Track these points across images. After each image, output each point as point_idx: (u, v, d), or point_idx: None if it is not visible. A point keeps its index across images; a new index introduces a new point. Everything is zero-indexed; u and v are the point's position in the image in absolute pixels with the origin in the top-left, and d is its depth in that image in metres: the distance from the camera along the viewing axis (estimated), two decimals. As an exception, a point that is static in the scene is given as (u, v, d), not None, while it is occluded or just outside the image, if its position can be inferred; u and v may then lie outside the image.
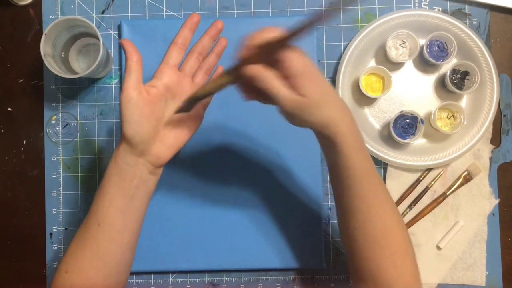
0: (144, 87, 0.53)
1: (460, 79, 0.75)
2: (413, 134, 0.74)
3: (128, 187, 0.53)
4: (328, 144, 0.53)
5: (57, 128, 0.79)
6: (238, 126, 0.76)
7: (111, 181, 0.54)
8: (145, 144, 0.54)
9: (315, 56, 0.77)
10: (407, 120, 0.74)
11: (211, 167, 0.76)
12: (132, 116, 0.52)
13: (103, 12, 0.79)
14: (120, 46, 0.78)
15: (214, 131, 0.76)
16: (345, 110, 0.54)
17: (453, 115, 0.76)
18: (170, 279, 0.78)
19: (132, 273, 0.77)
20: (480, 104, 0.76)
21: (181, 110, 0.56)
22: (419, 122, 0.73)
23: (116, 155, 0.54)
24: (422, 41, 0.75)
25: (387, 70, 0.74)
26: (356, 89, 0.77)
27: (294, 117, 0.52)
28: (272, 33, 0.49)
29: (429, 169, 0.77)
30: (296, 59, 0.49)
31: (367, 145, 0.75)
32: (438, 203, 0.76)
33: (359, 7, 0.78)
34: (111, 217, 0.53)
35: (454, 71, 0.75)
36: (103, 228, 0.53)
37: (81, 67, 0.78)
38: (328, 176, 0.59)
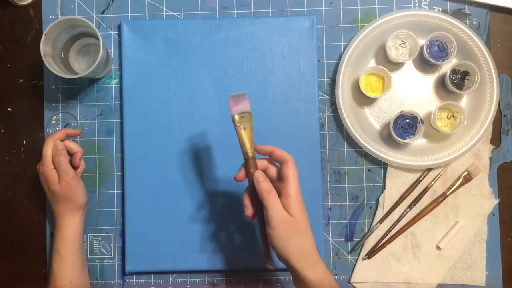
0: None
1: (460, 79, 0.75)
2: (413, 134, 0.74)
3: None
4: (294, 271, 0.61)
5: (57, 128, 0.79)
6: (238, 126, 0.76)
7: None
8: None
9: (315, 56, 0.77)
10: (407, 120, 0.74)
11: (211, 167, 0.76)
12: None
13: (103, 12, 0.79)
14: (120, 46, 0.78)
15: (214, 133, 0.76)
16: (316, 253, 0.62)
17: (453, 115, 0.76)
18: (170, 279, 0.78)
19: (132, 273, 0.77)
20: (480, 104, 0.76)
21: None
22: (419, 122, 0.73)
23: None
24: (422, 41, 0.75)
25: (387, 70, 0.74)
26: (356, 89, 0.77)
27: (277, 231, 0.59)
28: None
29: (429, 169, 0.77)
30: (294, 181, 0.60)
31: (367, 145, 0.75)
32: (438, 203, 0.76)
33: (359, 7, 0.78)
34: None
35: (454, 71, 0.75)
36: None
37: (81, 67, 0.78)
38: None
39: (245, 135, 0.62)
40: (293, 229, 0.59)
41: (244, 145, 0.62)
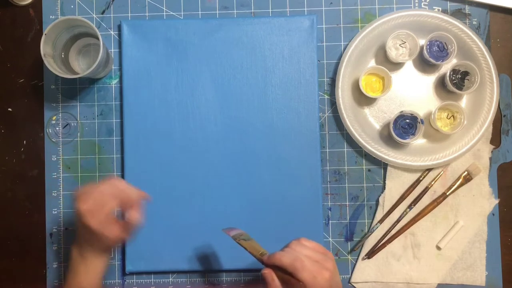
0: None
1: (460, 79, 0.75)
2: (413, 134, 0.74)
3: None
4: None
5: (57, 128, 0.79)
6: (238, 127, 0.76)
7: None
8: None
9: (315, 56, 0.77)
10: (407, 120, 0.74)
11: (211, 168, 0.76)
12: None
13: (103, 12, 0.79)
14: (120, 46, 0.78)
15: (215, 133, 0.76)
16: None
17: (453, 115, 0.76)
18: (170, 279, 0.78)
19: (132, 273, 0.77)
20: (480, 104, 0.76)
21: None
22: (419, 122, 0.73)
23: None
24: (422, 41, 0.75)
25: (387, 70, 0.74)
26: (356, 89, 0.77)
27: None
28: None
29: (429, 169, 0.77)
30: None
31: (367, 145, 0.75)
32: (438, 203, 0.76)
33: (359, 7, 0.78)
34: None
35: (454, 71, 0.75)
36: None
37: (81, 67, 0.78)
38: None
39: (248, 243, 0.65)
40: None
41: (254, 249, 0.64)
